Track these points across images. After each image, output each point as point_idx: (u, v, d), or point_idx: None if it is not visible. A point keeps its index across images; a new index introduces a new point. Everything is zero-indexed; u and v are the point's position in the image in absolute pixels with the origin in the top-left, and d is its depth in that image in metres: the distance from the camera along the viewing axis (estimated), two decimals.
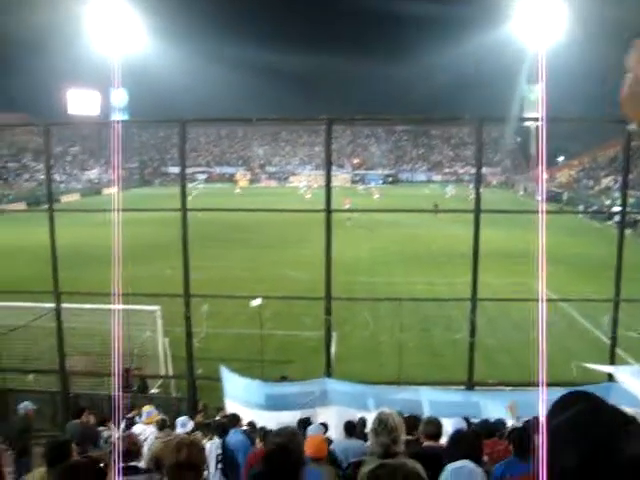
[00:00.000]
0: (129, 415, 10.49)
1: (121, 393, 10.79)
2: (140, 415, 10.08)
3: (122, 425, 9.23)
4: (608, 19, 71.44)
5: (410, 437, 6.44)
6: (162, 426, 8.54)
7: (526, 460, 4.84)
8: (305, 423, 8.91)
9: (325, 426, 8.60)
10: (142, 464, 5.76)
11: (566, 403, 1.51)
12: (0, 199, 64.80)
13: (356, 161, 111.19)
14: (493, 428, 8.25)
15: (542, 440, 1.42)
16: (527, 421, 8.73)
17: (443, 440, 6.94)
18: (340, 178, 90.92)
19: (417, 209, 47.07)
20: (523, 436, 5.42)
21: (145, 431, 9.05)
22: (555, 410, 1.52)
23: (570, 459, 1.35)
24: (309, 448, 5.59)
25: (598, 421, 1.41)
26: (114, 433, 8.64)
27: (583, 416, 1.43)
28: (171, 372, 15.39)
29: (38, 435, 9.85)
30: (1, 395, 13.13)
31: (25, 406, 10.13)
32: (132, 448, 5.68)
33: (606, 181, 66.42)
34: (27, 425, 9.92)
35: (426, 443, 5.98)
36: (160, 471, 5.83)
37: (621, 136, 12.72)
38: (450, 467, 4.04)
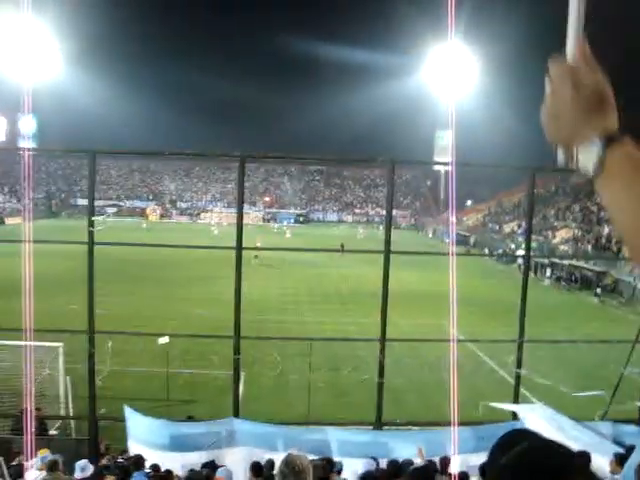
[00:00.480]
0: (14, 462, 9.81)
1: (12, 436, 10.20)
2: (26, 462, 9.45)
3: (5, 472, 8.73)
4: (516, 69, 74.93)
5: None
6: (52, 468, 7.92)
7: None
8: (211, 465, 8.71)
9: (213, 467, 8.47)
10: None
11: (508, 443, 1.50)
12: None
13: (268, 199, 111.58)
14: (401, 468, 8.27)
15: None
16: (429, 460, 8.83)
17: None
18: (252, 216, 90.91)
19: (325, 249, 47.56)
20: (426, 475, 5.43)
21: (38, 478, 8.57)
22: (497, 451, 1.51)
23: None
24: None
25: (549, 456, 1.40)
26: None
27: (533, 453, 1.42)
28: (72, 412, 14.79)
29: None
30: None
31: None
32: None
33: (511, 225, 68.94)
34: None
35: None
36: None
37: (525, 183, 13.22)
38: None
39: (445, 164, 49.35)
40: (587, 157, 1.27)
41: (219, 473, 7.41)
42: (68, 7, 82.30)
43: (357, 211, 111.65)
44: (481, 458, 9.44)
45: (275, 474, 7.76)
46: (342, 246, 48.15)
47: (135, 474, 8.44)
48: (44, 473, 8.83)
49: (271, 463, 8.49)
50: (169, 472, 8.70)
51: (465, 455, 10.01)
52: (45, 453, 9.38)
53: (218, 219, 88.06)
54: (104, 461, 10.88)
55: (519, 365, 11.89)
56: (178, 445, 10.50)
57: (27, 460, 7.93)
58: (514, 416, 10.98)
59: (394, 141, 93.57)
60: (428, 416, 13.91)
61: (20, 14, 67.24)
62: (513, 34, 77.20)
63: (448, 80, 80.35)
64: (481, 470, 7.85)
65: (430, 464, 8.39)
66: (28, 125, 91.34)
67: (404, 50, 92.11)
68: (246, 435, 10.70)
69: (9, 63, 79.71)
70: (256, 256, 40.47)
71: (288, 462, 3.98)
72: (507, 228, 69.19)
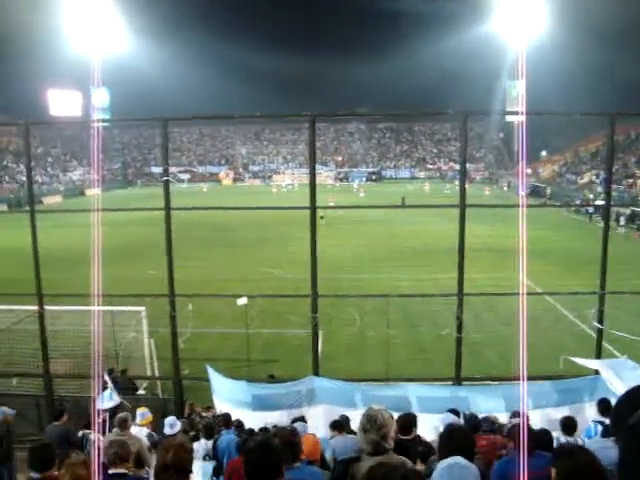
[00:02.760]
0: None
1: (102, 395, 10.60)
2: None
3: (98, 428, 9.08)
4: (588, 16, 71.97)
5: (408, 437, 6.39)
6: (122, 425, 7.91)
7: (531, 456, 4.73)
8: (302, 421, 8.85)
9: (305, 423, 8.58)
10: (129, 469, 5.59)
11: (634, 400, 1.45)
12: None
13: (340, 159, 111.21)
14: (478, 423, 8.20)
15: (524, 430, 1.39)
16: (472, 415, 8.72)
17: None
18: (324, 176, 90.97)
19: (391, 205, 47.15)
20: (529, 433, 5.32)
21: (140, 432, 8.92)
22: (624, 408, 1.46)
23: None
24: (304, 449, 5.52)
25: None
26: (94, 436, 8.49)
27: None
28: (157, 373, 15.27)
29: (23, 440, 9.68)
30: None
31: (2, 412, 9.91)
32: (120, 452, 5.52)
33: (589, 175, 66.86)
34: (7, 430, 9.71)
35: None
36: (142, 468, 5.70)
37: (602, 131, 12.72)
38: (442, 464, 3.96)
39: (516, 114, 48.07)
40: None
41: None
42: None
43: (429, 167, 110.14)
44: (562, 412, 9.31)
45: (352, 429, 7.84)
46: (403, 200, 48.28)
47: (223, 431, 8.66)
48: (144, 429, 9.19)
49: (346, 419, 8.58)
50: (252, 431, 8.89)
51: (546, 409, 9.89)
52: (143, 410, 9.77)
53: (290, 181, 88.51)
54: (190, 419, 11.23)
55: (601, 318, 11.60)
56: (260, 405, 10.72)
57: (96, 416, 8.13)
58: (596, 371, 10.75)
59: (465, 93, 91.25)
60: (507, 370, 13.78)
61: None
62: None
63: (518, 27, 77.68)
64: (562, 424, 7.72)
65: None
66: (101, 98, 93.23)
67: None
68: (326, 393, 10.83)
69: (80, 39, 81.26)
70: (322, 217, 40.17)
71: (370, 416, 3.99)
72: (585, 178, 67.13)
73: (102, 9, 78.93)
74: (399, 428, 5.92)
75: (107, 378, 10.47)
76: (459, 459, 3.93)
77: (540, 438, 5.85)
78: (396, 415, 5.58)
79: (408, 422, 6.55)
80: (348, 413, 9.15)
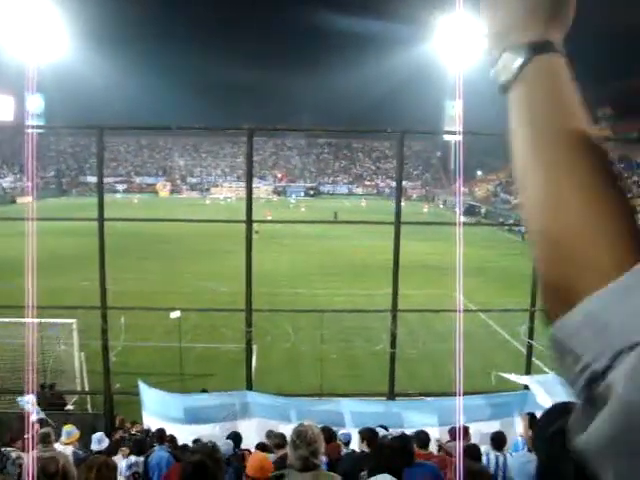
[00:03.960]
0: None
1: (36, 410, 10.31)
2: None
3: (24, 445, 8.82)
4: None
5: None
6: (44, 440, 7.52)
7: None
8: (235, 437, 8.77)
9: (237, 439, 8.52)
10: None
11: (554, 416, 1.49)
12: None
13: (279, 175, 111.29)
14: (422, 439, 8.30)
15: (460, 446, 1.42)
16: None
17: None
18: (262, 190, 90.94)
19: (330, 220, 47.63)
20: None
21: (65, 450, 8.70)
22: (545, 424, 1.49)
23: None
24: (251, 467, 5.47)
25: None
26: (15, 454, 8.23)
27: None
28: (87, 387, 14.94)
29: None
30: None
31: None
32: (52, 470, 5.32)
33: None
34: None
35: None
36: None
37: None
38: None
39: (454, 134, 48.98)
40: (509, 61, 0.95)
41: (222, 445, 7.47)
42: None
43: (367, 183, 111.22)
44: (493, 426, 9.51)
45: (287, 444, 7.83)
46: (335, 215, 49.29)
47: (156, 448, 8.52)
48: (69, 447, 8.95)
49: (282, 435, 8.57)
50: (185, 446, 8.79)
51: (478, 423, 10.07)
52: (70, 428, 9.53)
53: (228, 193, 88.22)
54: (118, 435, 11.01)
55: (531, 335, 11.90)
56: (192, 418, 10.63)
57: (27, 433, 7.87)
58: (526, 386, 11.02)
59: (403, 112, 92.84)
60: (441, 386, 13.98)
61: None
62: None
63: (456, 49, 79.44)
64: (492, 439, 7.89)
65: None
66: (35, 104, 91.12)
67: (412, 20, 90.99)
68: (259, 407, 10.80)
69: (15, 42, 79.39)
70: (257, 231, 40.11)
71: (300, 432, 4.00)
72: (518, 198, 68.85)
73: (38, 13, 77.27)
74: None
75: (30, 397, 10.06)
76: (387, 477, 3.94)
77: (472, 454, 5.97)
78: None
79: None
80: (282, 428, 9.14)
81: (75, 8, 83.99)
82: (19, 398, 9.57)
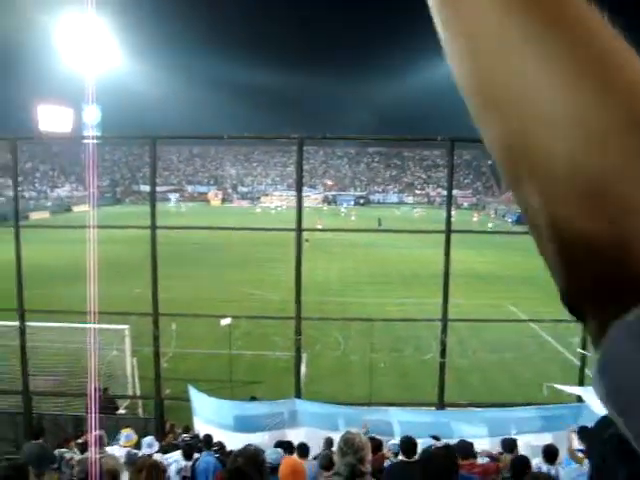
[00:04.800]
0: (80, 440, 10.08)
1: (95, 413, 10.50)
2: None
3: (76, 449, 9.00)
4: None
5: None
6: (98, 443, 7.78)
7: None
8: (288, 445, 8.76)
9: (290, 448, 8.49)
10: None
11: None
12: None
13: (330, 183, 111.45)
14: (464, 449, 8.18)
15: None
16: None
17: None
18: (312, 199, 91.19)
19: (379, 229, 47.48)
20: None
21: (120, 450, 8.83)
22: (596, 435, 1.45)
23: None
24: (283, 472, 5.48)
25: None
26: (69, 455, 8.39)
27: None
28: (138, 392, 15.15)
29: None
30: None
31: None
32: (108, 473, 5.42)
33: None
34: None
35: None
36: None
37: None
38: None
39: None
40: None
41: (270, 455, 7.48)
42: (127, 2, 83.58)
43: (418, 192, 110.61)
44: (545, 439, 9.30)
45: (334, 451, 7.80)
46: (379, 222, 49.72)
47: (204, 453, 8.58)
48: (126, 450, 9.09)
49: (330, 441, 8.54)
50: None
51: (528, 435, 9.88)
52: (128, 432, 9.68)
53: (279, 202, 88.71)
54: (168, 439, 11.14)
55: (584, 345, 11.64)
56: (242, 425, 10.67)
57: (91, 435, 7.99)
58: (579, 398, 10.76)
59: (453, 120, 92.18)
60: (491, 397, 13.78)
61: (83, 10, 68.67)
62: None
63: None
64: (544, 452, 7.72)
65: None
66: (92, 115, 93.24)
67: None
68: (308, 416, 10.79)
69: (72, 56, 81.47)
70: (307, 240, 40.11)
71: (347, 439, 3.98)
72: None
73: (95, 26, 79.16)
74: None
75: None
76: None
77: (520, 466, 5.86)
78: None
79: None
80: (331, 436, 9.11)
81: (127, 22, 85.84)
82: (125, 433, 9.67)
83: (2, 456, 9.71)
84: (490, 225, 59.75)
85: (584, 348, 11.62)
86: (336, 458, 4.10)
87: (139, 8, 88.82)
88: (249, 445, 5.54)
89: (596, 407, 9.60)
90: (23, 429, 12.42)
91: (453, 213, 12.16)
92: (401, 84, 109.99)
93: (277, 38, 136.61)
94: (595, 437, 1.46)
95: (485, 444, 9.46)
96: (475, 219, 68.46)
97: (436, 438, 8.44)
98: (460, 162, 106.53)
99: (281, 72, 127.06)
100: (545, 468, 7.25)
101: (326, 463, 7.78)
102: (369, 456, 3.95)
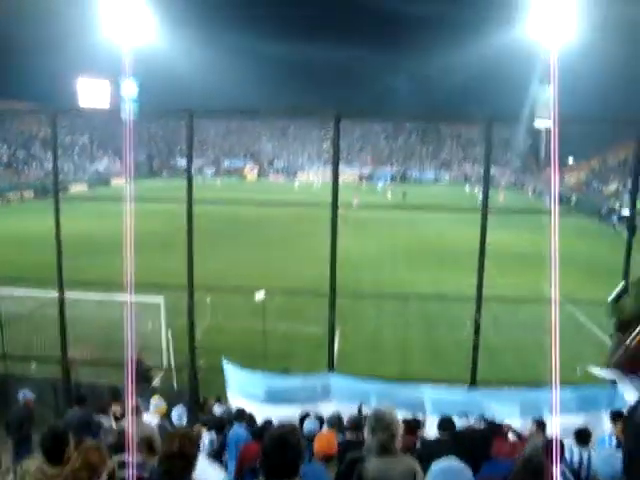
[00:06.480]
0: (117, 408, 10.27)
1: (132, 382, 10.66)
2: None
3: (112, 417, 9.19)
4: (621, 19, 71.10)
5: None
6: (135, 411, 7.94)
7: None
8: (320, 419, 8.83)
9: (321, 421, 8.54)
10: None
11: None
12: (9, 188, 64.75)
13: (367, 159, 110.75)
14: (495, 428, 8.17)
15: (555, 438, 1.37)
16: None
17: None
18: (348, 174, 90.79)
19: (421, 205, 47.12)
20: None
21: (152, 422, 8.99)
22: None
23: None
24: (320, 445, 5.50)
25: None
26: (107, 422, 8.58)
27: None
28: (173, 364, 15.35)
29: (41, 424, 9.79)
30: (2, 383, 13.09)
31: (24, 394, 10.09)
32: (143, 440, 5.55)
33: (616, 184, 66.07)
34: (27, 413, 9.87)
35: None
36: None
37: (632, 138, 12.52)
38: (435, 467, 3.71)
39: (545, 120, 47.46)
40: None
41: (307, 425, 7.53)
42: None
43: (455, 169, 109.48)
44: (579, 420, 9.22)
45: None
46: (404, 195, 50.13)
47: (235, 425, 8.69)
48: (156, 418, 9.27)
49: (360, 408, 8.62)
50: (270, 422, 8.92)
51: (562, 416, 9.79)
52: (157, 400, 9.87)
53: (315, 178, 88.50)
54: (202, 412, 11.30)
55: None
56: (274, 398, 10.76)
57: (128, 404, 8.13)
58: (614, 381, 10.61)
59: (494, 96, 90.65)
60: (524, 376, 13.70)
61: None
62: None
63: (550, 31, 76.68)
64: (576, 434, 7.63)
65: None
66: (130, 88, 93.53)
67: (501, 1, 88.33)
68: (340, 390, 10.84)
69: (110, 29, 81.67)
70: (352, 206, 40.08)
71: (378, 416, 3.98)
72: (612, 186, 66.27)
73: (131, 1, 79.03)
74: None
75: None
76: (453, 462, 3.73)
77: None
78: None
79: None
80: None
81: None
82: (154, 402, 9.92)
83: (45, 421, 9.92)
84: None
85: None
86: (366, 434, 4.10)
87: None
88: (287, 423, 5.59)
89: (627, 393, 9.48)
90: (62, 396, 12.73)
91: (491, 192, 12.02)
92: (440, 61, 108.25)
93: (320, 13, 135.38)
94: (629, 421, 1.44)
95: (517, 423, 9.42)
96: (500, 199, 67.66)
97: (465, 415, 8.44)
98: (498, 140, 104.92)
99: (322, 48, 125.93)
100: (577, 450, 7.19)
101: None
102: (400, 433, 3.95)
